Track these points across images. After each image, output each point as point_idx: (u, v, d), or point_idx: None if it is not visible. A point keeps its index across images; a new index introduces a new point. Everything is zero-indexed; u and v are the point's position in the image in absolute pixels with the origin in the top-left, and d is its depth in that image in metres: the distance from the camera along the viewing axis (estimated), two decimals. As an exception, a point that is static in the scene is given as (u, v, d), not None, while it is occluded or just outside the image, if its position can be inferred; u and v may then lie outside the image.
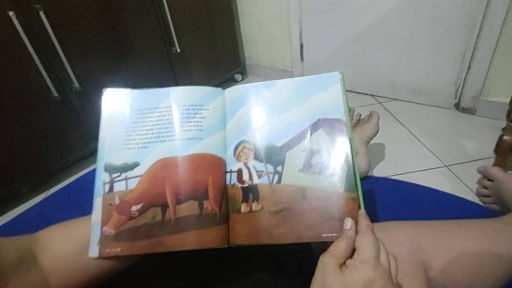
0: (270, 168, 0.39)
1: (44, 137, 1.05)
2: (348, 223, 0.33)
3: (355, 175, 0.37)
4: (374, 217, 0.41)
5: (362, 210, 0.35)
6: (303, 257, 0.46)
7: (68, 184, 0.92)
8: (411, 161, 1.01)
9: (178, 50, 1.35)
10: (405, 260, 0.39)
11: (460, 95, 1.22)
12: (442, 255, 0.40)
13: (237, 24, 1.72)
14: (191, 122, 0.41)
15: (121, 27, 1.17)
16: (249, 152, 0.40)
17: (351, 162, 0.37)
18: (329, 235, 0.35)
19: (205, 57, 1.52)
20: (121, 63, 1.19)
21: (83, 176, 0.99)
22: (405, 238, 0.41)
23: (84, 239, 0.38)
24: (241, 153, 0.40)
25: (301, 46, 1.60)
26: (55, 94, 1.02)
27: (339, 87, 0.40)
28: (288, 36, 1.61)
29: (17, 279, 0.32)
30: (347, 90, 0.38)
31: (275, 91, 0.42)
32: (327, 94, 0.40)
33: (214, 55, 1.56)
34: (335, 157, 0.38)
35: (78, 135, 1.13)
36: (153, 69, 1.29)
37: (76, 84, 1.05)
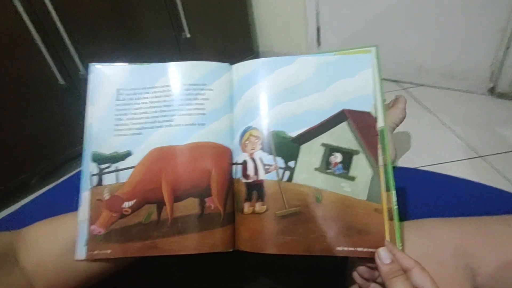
0: (280, 162, 0.33)
1: (52, 126, 1.03)
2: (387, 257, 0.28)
3: (387, 184, 0.31)
4: (405, 213, 0.35)
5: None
6: (320, 262, 0.40)
7: (74, 174, 0.89)
8: (441, 151, 0.92)
9: (188, 36, 1.29)
10: (450, 266, 0.33)
11: (497, 78, 1.10)
12: (492, 259, 0.34)
13: (250, 8, 1.64)
14: (191, 104, 0.35)
15: (128, 11, 1.12)
16: (256, 141, 0.33)
17: (376, 166, 0.31)
18: (345, 249, 0.30)
19: (216, 43, 1.46)
20: (128, 48, 1.15)
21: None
22: (447, 238, 0.35)
23: (71, 238, 0.34)
24: (247, 142, 0.34)
25: (318, 29, 1.50)
26: (62, 81, 0.99)
27: (370, 73, 0.33)
28: (303, 19, 1.52)
29: (1, 277, 0.30)
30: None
31: (293, 71, 0.35)
32: (355, 80, 0.33)
33: (225, 41, 1.50)
34: (359, 158, 0.32)
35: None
36: (161, 55, 1.24)
37: (82, 70, 1.02)
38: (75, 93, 1.05)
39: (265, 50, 1.78)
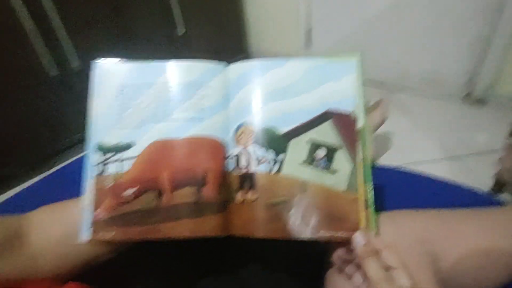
0: (271, 155, 0.36)
1: (41, 117, 1.03)
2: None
3: (365, 177, 0.35)
4: (380, 207, 0.39)
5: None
6: (307, 248, 0.44)
7: (65, 165, 0.90)
8: (418, 152, 0.98)
9: (181, 33, 1.30)
10: (414, 251, 0.37)
11: (473, 85, 1.17)
12: (452, 246, 0.38)
13: (243, 7, 1.66)
14: (190, 101, 0.38)
15: (123, 6, 1.12)
16: (249, 135, 0.37)
17: (355, 161, 0.35)
18: (327, 234, 0.34)
19: (209, 41, 1.48)
20: (122, 43, 1.16)
21: (81, 157, 0.96)
22: (413, 227, 0.39)
23: (74, 222, 0.36)
24: (241, 136, 0.37)
25: (310, 31, 1.54)
26: (54, 72, 0.98)
27: (354, 78, 0.37)
28: (296, 20, 1.55)
29: (5, 259, 0.31)
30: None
31: (284, 72, 0.38)
32: (340, 84, 0.37)
33: (218, 39, 1.52)
34: (340, 153, 0.35)
35: (77, 116, 1.10)
36: (154, 51, 1.25)
37: (75, 62, 1.02)
38: (67, 85, 1.05)
39: (257, 49, 1.79)
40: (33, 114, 1.00)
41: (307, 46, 1.59)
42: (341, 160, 0.35)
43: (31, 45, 0.93)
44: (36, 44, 0.93)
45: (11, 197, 0.85)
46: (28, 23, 0.90)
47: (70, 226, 0.35)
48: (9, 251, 0.32)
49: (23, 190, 0.84)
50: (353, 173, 0.35)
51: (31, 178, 1.06)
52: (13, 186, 1.03)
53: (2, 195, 0.99)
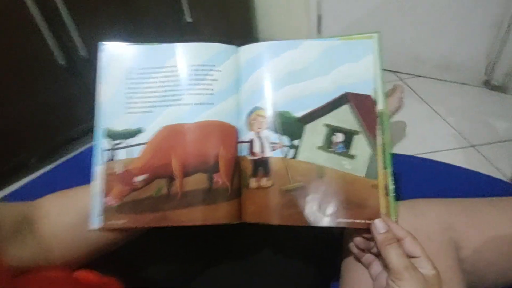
0: (286, 141, 0.35)
1: (51, 106, 1.03)
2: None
3: (384, 162, 0.33)
4: (399, 196, 0.38)
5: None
6: (321, 234, 0.43)
7: (76, 154, 0.90)
8: (434, 140, 0.95)
9: (189, 20, 1.29)
10: (436, 240, 0.36)
11: (492, 71, 1.12)
12: (474, 234, 0.37)
13: (252, -7, 1.63)
14: (200, 84, 0.36)
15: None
16: (263, 120, 0.35)
17: (375, 146, 0.33)
18: (344, 220, 0.32)
19: (217, 28, 1.46)
20: (129, 31, 1.15)
21: (92, 146, 0.96)
22: (435, 216, 0.38)
23: (84, 209, 0.35)
24: (254, 121, 0.36)
25: (319, 17, 1.50)
26: (62, 61, 0.98)
27: (372, 58, 0.35)
28: (305, 7, 1.51)
29: (15, 246, 0.30)
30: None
31: (298, 54, 0.36)
32: (357, 66, 0.35)
33: (226, 26, 1.50)
34: (359, 138, 0.34)
35: (86, 105, 1.09)
36: (162, 38, 1.23)
37: (82, 51, 1.01)
38: (75, 74, 1.05)
39: (265, 36, 1.77)
40: (43, 103, 1.01)
41: (316, 34, 1.55)
42: (360, 145, 0.34)
43: (40, 34, 0.92)
44: (44, 33, 0.92)
45: (23, 185, 0.86)
46: (36, 12, 0.89)
47: (80, 213, 0.35)
48: (21, 237, 0.31)
49: (34, 179, 0.85)
50: (373, 159, 0.33)
51: (43, 167, 1.07)
52: (25, 176, 1.04)
53: (13, 184, 1.01)
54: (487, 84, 1.16)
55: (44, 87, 0.99)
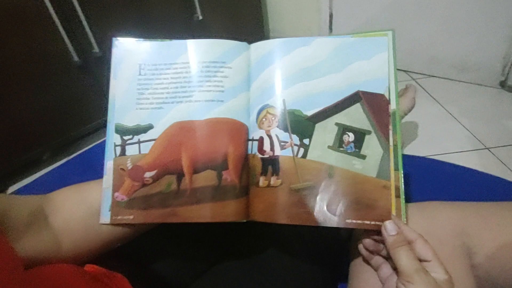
0: (295, 139, 0.34)
1: (65, 103, 1.05)
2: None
3: (396, 163, 0.32)
4: (410, 198, 0.37)
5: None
6: (329, 234, 0.42)
7: (88, 149, 0.92)
8: (447, 141, 0.93)
9: (200, 18, 1.29)
10: (449, 243, 0.35)
11: (508, 72, 1.09)
12: (488, 240, 0.36)
13: (263, -9, 1.62)
14: (211, 81, 0.36)
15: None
16: (273, 118, 0.35)
17: (388, 146, 0.33)
18: (354, 221, 0.32)
19: (227, 26, 1.45)
20: (141, 29, 1.15)
21: (103, 141, 0.98)
22: (447, 219, 0.37)
23: (96, 203, 0.36)
24: (264, 119, 0.35)
25: (331, 16, 1.48)
26: (76, 58, 1.00)
27: (386, 56, 0.34)
28: (316, 5, 1.50)
29: (29, 238, 0.31)
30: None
31: (310, 51, 0.36)
32: (371, 63, 0.34)
33: (236, 25, 1.49)
34: (371, 138, 0.33)
35: (99, 101, 1.12)
36: (173, 36, 1.24)
37: (96, 49, 1.03)
38: (89, 71, 1.06)
39: (276, 35, 1.77)
40: (57, 100, 1.02)
41: (327, 32, 1.53)
42: (372, 144, 0.33)
43: (56, 31, 0.94)
44: (61, 31, 0.94)
45: (36, 179, 0.88)
46: (52, 10, 0.91)
47: (91, 207, 0.35)
48: (34, 229, 0.32)
49: (47, 173, 0.86)
50: (384, 159, 0.33)
51: (56, 162, 1.09)
52: (38, 170, 1.06)
53: (27, 178, 1.03)
54: (503, 85, 1.13)
55: (59, 83, 1.01)
